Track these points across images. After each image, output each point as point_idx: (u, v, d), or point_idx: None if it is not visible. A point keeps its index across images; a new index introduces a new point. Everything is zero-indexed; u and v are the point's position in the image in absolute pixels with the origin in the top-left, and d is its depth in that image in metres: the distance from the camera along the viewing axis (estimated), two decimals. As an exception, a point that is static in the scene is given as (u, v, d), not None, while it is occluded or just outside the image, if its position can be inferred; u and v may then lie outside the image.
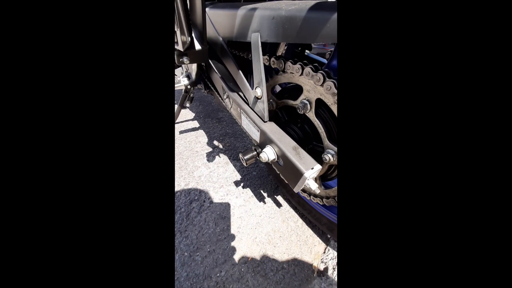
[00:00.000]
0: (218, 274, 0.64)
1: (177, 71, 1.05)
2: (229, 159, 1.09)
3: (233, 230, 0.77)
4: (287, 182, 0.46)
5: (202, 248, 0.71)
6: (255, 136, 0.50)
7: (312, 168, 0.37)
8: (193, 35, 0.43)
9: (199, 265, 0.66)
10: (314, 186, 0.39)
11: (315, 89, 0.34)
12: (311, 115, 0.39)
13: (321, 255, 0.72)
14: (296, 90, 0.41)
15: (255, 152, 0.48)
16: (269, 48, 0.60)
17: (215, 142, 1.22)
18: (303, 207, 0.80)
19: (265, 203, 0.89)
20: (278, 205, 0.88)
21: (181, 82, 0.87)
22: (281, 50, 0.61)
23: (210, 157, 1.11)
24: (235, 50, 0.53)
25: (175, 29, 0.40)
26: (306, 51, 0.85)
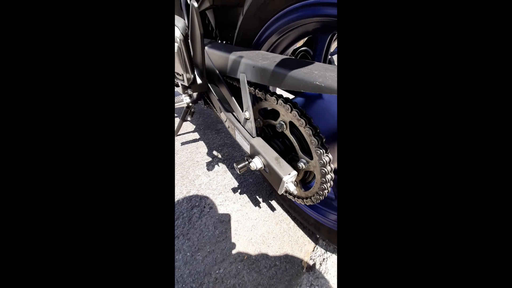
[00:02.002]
0: (217, 271, 0.72)
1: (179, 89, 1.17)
2: (227, 167, 1.19)
3: (230, 233, 0.85)
4: (273, 186, 0.55)
5: (202, 249, 0.79)
6: (246, 148, 0.61)
7: (289, 174, 0.48)
8: (195, 72, 0.55)
9: (200, 263, 0.74)
10: (292, 188, 0.49)
11: (287, 114, 0.45)
12: (287, 132, 0.50)
13: (310, 253, 0.80)
14: (276, 113, 0.52)
15: (247, 162, 0.59)
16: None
17: (215, 152, 1.32)
18: (294, 210, 0.89)
19: (260, 207, 0.97)
20: (272, 209, 0.97)
21: (183, 100, 0.99)
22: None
23: (210, 166, 1.21)
24: (229, 79, 0.66)
25: (182, 72, 0.52)
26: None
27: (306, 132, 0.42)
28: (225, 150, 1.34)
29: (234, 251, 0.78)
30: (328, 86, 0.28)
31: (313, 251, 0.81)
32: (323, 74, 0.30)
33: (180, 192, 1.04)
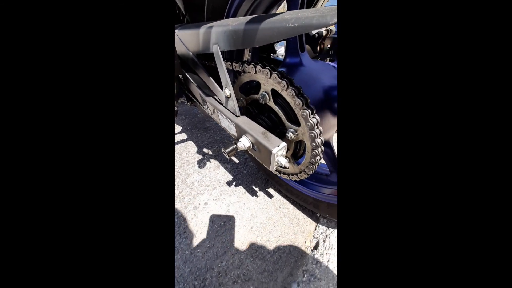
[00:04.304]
0: (219, 265, 0.69)
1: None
2: (220, 163, 1.15)
3: (229, 225, 0.82)
4: (264, 165, 0.53)
5: (202, 245, 0.75)
6: (232, 130, 0.58)
7: (279, 146, 0.45)
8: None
9: (200, 260, 0.70)
10: (283, 161, 0.47)
11: (268, 81, 0.43)
12: (271, 103, 0.47)
13: (312, 232, 0.79)
14: (258, 87, 0.50)
15: (235, 145, 0.56)
16: (235, 56, 0.70)
17: (205, 150, 1.28)
18: (291, 193, 0.87)
19: (257, 196, 0.95)
20: (270, 196, 0.95)
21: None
22: (246, 56, 0.71)
23: (201, 164, 1.16)
24: (205, 61, 0.62)
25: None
26: (271, 54, 0.96)
27: (289, 94, 0.39)
28: (215, 147, 1.30)
29: (235, 242, 0.75)
30: (302, 25, 0.26)
31: (315, 230, 0.80)
32: (295, 16, 0.28)
33: (172, 192, 0.99)
